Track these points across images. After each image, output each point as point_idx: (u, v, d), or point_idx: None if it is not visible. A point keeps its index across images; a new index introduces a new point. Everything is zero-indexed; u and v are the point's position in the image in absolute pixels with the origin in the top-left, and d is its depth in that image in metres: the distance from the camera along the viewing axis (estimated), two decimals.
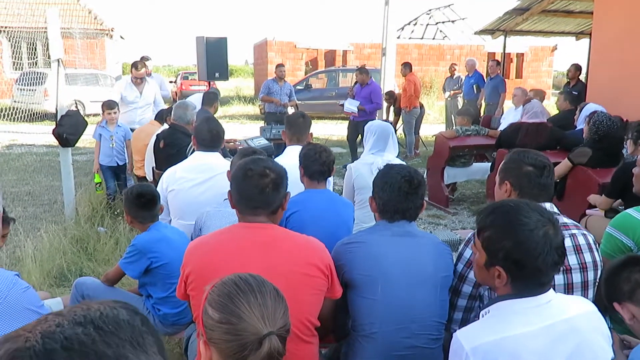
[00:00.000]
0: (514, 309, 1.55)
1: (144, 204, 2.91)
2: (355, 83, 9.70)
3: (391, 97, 10.30)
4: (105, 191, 5.95)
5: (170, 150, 4.56)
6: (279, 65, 9.82)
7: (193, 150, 3.85)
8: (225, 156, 3.98)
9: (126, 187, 5.20)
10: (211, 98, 7.50)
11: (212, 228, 2.58)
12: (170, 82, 24.06)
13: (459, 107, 10.79)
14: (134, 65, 6.87)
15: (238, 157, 2.95)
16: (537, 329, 1.50)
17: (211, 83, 9.83)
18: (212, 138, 3.52)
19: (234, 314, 1.27)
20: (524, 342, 1.48)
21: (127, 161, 5.99)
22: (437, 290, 2.16)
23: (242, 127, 10.18)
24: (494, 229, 1.61)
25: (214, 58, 9.59)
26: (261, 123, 10.78)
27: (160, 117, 5.99)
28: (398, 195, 2.21)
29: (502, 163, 2.34)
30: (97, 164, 5.99)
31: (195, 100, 8.25)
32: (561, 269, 1.65)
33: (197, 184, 3.43)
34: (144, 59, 7.63)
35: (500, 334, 1.50)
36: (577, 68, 9.22)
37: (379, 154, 3.84)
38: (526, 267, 1.54)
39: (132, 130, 6.15)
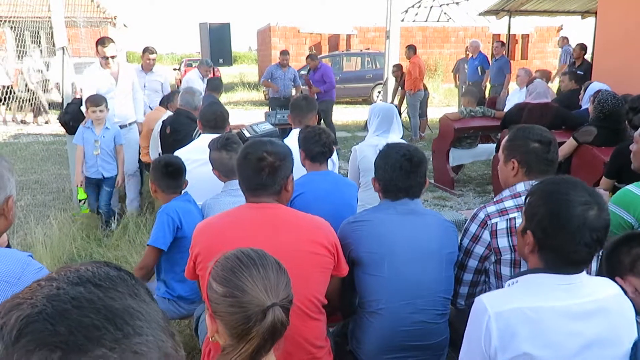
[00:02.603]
0: (543, 283, 1.54)
1: (171, 172, 2.98)
2: (308, 70, 9.92)
3: (399, 69, 10.25)
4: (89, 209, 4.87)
5: (176, 136, 4.60)
6: (283, 52, 9.89)
7: (199, 135, 3.89)
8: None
9: (109, 205, 4.98)
10: (217, 84, 7.53)
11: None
12: (174, 69, 24.01)
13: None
14: (100, 42, 5.16)
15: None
16: (564, 304, 1.49)
17: (215, 69, 9.84)
18: (216, 119, 3.59)
19: (237, 287, 1.31)
20: (549, 315, 1.47)
21: (116, 172, 4.96)
22: (443, 266, 2.20)
23: (247, 113, 10.19)
24: (538, 194, 1.61)
25: (218, 44, 9.62)
26: (265, 109, 10.78)
27: (165, 102, 6.01)
28: (400, 174, 2.24)
29: (505, 140, 2.34)
30: (80, 175, 4.83)
31: (191, 76, 8.27)
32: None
33: (203, 163, 3.48)
34: (148, 50, 6.92)
35: (528, 303, 1.49)
36: (582, 48, 9.15)
37: (384, 135, 3.86)
38: (553, 238, 1.53)
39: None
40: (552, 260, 1.55)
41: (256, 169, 2.02)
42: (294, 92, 9.40)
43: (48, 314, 0.58)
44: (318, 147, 2.99)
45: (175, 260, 2.89)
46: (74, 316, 0.59)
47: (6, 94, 9.72)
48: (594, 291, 1.55)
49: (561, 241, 1.51)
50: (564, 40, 12.14)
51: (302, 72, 16.72)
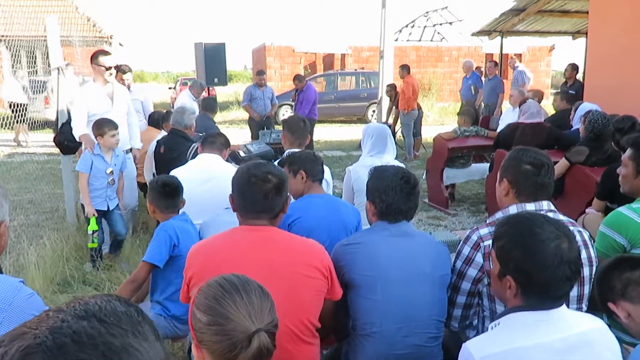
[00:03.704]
0: (525, 322, 1.53)
1: (169, 192, 2.99)
2: (296, 91, 10.15)
3: (392, 88, 10.34)
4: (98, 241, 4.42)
5: (170, 155, 4.61)
6: (259, 72, 10.14)
7: (194, 155, 3.92)
8: (226, 162, 4.03)
9: (125, 228, 4.74)
10: (211, 104, 7.56)
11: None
12: (170, 88, 24.09)
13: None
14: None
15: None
16: (547, 341, 1.48)
17: (210, 89, 9.89)
18: (213, 142, 3.65)
19: (221, 315, 1.31)
20: (534, 353, 1.46)
21: (119, 201, 4.63)
22: (436, 288, 2.19)
23: (242, 132, 10.22)
24: (507, 238, 1.60)
25: (213, 64, 9.66)
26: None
27: (155, 122, 6.00)
28: (401, 196, 2.25)
29: (503, 160, 2.36)
30: (91, 206, 4.37)
31: (182, 98, 8.29)
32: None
33: (200, 183, 3.51)
34: (120, 70, 6.07)
35: (510, 345, 1.48)
36: (573, 67, 9.26)
37: (378, 156, 3.87)
38: (535, 278, 1.52)
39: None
40: (534, 299, 1.55)
41: (264, 192, 2.01)
42: (289, 114, 9.52)
43: (47, 347, 0.59)
44: (319, 166, 3.01)
45: (170, 280, 2.89)
46: (71, 351, 0.60)
47: (22, 111, 9.69)
48: (575, 324, 1.54)
49: (544, 280, 1.51)
50: (513, 61, 11.88)
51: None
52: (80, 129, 4.70)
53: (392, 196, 2.25)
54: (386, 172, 2.33)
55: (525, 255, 1.54)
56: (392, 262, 2.18)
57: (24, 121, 11.34)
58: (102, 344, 0.62)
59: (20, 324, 0.66)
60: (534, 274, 1.52)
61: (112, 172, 4.48)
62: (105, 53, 4.87)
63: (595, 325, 1.58)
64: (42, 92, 12.02)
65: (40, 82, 11.95)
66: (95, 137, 4.42)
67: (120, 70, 6.03)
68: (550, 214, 2.18)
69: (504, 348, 1.48)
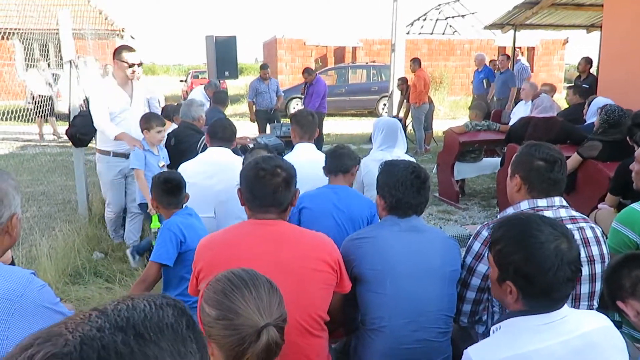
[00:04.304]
0: (527, 326, 1.49)
1: (170, 189, 2.97)
2: (305, 84, 10.12)
3: (404, 82, 10.28)
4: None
5: (180, 147, 4.63)
6: (263, 66, 10.19)
7: (204, 147, 3.92)
8: (236, 153, 4.03)
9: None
10: (222, 97, 7.58)
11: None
12: (181, 81, 24.17)
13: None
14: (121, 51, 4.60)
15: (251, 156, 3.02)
16: (551, 344, 1.45)
17: (221, 82, 9.92)
18: (222, 134, 3.62)
19: (230, 310, 1.31)
20: (538, 358, 1.43)
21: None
22: (445, 283, 2.19)
23: (253, 125, 10.23)
24: (504, 242, 1.57)
25: (224, 57, 9.69)
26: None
27: (167, 115, 6.00)
28: (411, 191, 2.24)
29: (514, 156, 2.33)
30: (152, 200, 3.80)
31: (195, 94, 8.32)
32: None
33: (208, 176, 3.52)
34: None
35: (513, 351, 1.44)
36: (587, 61, 9.15)
37: (388, 150, 3.87)
38: (536, 282, 1.48)
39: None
40: (535, 302, 1.51)
41: (273, 185, 2.01)
42: (299, 107, 9.55)
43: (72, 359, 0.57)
44: (337, 161, 3.12)
45: (181, 275, 2.87)
46: None
47: (46, 104, 9.71)
48: (578, 326, 1.50)
49: (545, 283, 1.48)
50: (515, 55, 11.18)
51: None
52: (110, 127, 4.47)
53: (402, 191, 2.24)
54: (396, 167, 2.32)
55: (525, 259, 1.50)
56: (402, 257, 2.17)
57: (51, 114, 11.39)
58: None
59: (66, 318, 0.64)
60: (535, 277, 1.49)
61: (164, 166, 4.41)
62: (130, 49, 4.61)
63: (599, 324, 1.54)
64: (55, 85, 12.08)
65: (54, 75, 12.03)
66: (142, 131, 4.38)
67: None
68: (563, 210, 2.16)
69: (506, 355, 1.44)
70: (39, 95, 10.47)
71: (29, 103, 10.79)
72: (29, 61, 6.78)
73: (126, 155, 4.53)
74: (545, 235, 1.50)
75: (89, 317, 0.63)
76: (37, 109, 9.45)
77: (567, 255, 1.48)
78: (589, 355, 1.45)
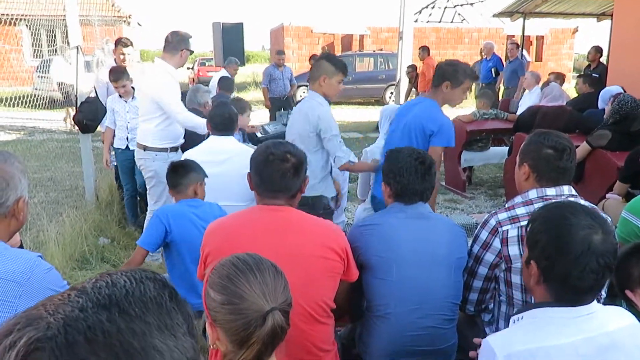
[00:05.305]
0: (552, 318, 1.45)
1: (173, 168, 2.96)
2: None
3: (413, 69, 10.20)
4: None
5: (186, 132, 4.61)
6: (279, 52, 10.16)
7: (209, 134, 3.89)
8: (243, 141, 4.01)
9: None
10: (228, 84, 7.56)
11: None
12: (188, 68, 24.12)
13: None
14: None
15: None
16: (575, 340, 1.41)
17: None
18: (224, 122, 3.55)
19: (235, 295, 1.31)
20: (561, 354, 1.40)
21: None
22: (451, 271, 2.18)
23: (259, 113, 10.22)
24: (538, 221, 1.54)
25: (231, 44, 9.65)
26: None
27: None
28: (416, 177, 2.24)
29: (523, 144, 2.31)
30: None
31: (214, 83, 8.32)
32: None
33: (215, 165, 3.49)
34: (121, 43, 5.41)
35: (537, 343, 1.41)
36: (597, 50, 9.05)
37: None
38: (557, 265, 1.45)
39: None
40: (559, 291, 1.47)
41: (282, 171, 2.00)
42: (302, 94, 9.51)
43: (57, 343, 0.54)
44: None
45: (173, 262, 2.89)
46: (81, 351, 0.54)
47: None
48: (605, 323, 1.46)
49: (566, 268, 1.43)
50: (512, 51, 10.61)
51: None
52: (200, 119, 4.18)
53: (407, 177, 2.24)
54: (401, 154, 2.33)
55: (552, 239, 1.47)
56: (408, 244, 2.17)
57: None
58: (118, 344, 0.56)
59: (43, 299, 0.61)
60: (557, 260, 1.45)
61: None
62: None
63: (625, 322, 1.49)
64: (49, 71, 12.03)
65: (49, 60, 11.99)
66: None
67: (120, 43, 5.44)
68: (572, 199, 2.14)
69: (528, 346, 1.41)
70: (63, 83, 10.41)
71: (54, 91, 10.63)
72: (36, 47, 6.77)
73: (177, 149, 4.35)
74: (579, 220, 1.46)
75: (68, 297, 0.60)
76: (65, 97, 9.40)
77: (597, 247, 1.42)
78: (613, 354, 1.41)
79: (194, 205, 2.91)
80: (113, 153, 5.25)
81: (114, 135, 5.07)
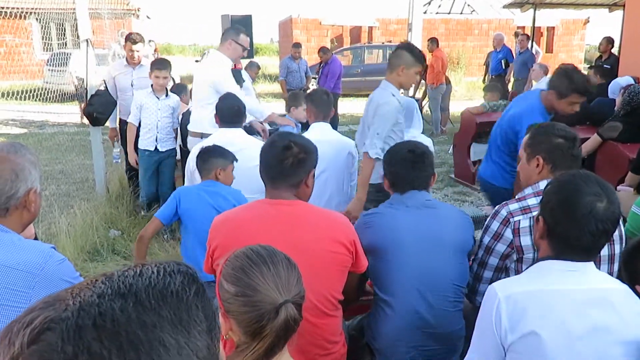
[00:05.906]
0: (552, 268, 1.58)
1: (200, 154, 3.12)
2: (320, 63, 10.05)
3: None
4: None
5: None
6: (296, 44, 10.27)
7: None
8: (251, 134, 3.99)
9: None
10: (237, 77, 7.54)
11: None
12: (196, 61, 24.11)
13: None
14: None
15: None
16: (572, 289, 1.52)
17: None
18: (232, 114, 3.56)
19: (249, 286, 1.32)
20: (557, 297, 1.51)
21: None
22: (456, 254, 2.21)
23: (268, 106, 10.21)
24: (554, 183, 1.66)
25: None
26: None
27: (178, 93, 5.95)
28: (404, 165, 2.29)
29: (526, 139, 2.31)
30: None
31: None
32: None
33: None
34: (130, 39, 5.28)
35: (536, 286, 1.54)
36: (609, 41, 8.95)
37: (405, 130, 3.84)
38: (560, 223, 1.56)
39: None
40: (559, 247, 1.59)
41: (280, 157, 1.99)
42: (313, 86, 9.54)
43: (67, 326, 0.55)
44: None
45: (183, 236, 3.13)
46: (87, 337, 0.55)
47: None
48: (602, 281, 1.58)
49: (567, 227, 1.55)
50: (523, 43, 10.67)
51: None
52: (263, 105, 4.37)
53: (395, 165, 2.32)
54: (396, 146, 2.41)
55: (559, 201, 1.58)
56: (411, 230, 2.20)
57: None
58: (124, 333, 0.56)
59: (78, 283, 0.62)
60: (560, 219, 1.57)
61: None
62: (245, 33, 4.55)
63: (620, 287, 1.60)
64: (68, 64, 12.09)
65: (70, 54, 12.07)
66: (289, 109, 4.69)
67: (129, 39, 5.27)
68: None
69: (526, 289, 1.54)
70: (81, 78, 10.40)
71: (67, 84, 10.59)
72: (45, 40, 6.79)
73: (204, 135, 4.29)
74: (587, 187, 1.56)
75: (95, 282, 0.61)
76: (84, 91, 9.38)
77: (599, 212, 1.52)
78: (606, 308, 1.51)
79: (207, 185, 3.07)
80: (119, 150, 5.26)
81: (138, 136, 4.86)
